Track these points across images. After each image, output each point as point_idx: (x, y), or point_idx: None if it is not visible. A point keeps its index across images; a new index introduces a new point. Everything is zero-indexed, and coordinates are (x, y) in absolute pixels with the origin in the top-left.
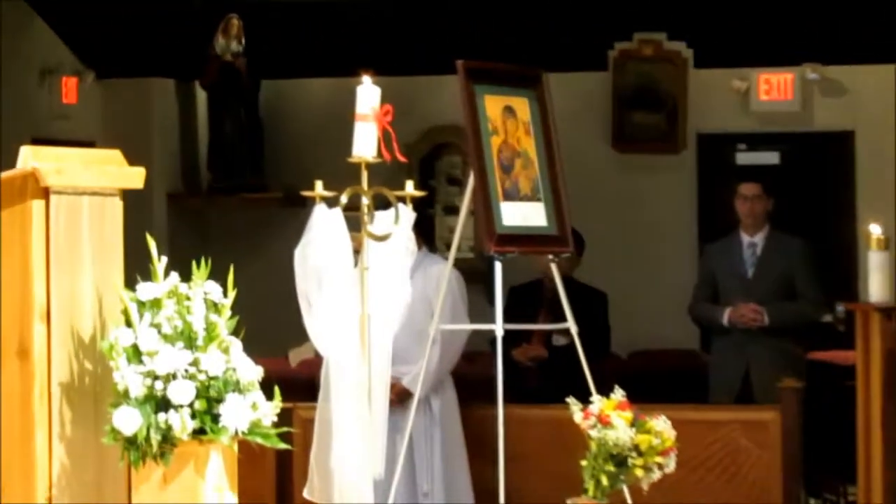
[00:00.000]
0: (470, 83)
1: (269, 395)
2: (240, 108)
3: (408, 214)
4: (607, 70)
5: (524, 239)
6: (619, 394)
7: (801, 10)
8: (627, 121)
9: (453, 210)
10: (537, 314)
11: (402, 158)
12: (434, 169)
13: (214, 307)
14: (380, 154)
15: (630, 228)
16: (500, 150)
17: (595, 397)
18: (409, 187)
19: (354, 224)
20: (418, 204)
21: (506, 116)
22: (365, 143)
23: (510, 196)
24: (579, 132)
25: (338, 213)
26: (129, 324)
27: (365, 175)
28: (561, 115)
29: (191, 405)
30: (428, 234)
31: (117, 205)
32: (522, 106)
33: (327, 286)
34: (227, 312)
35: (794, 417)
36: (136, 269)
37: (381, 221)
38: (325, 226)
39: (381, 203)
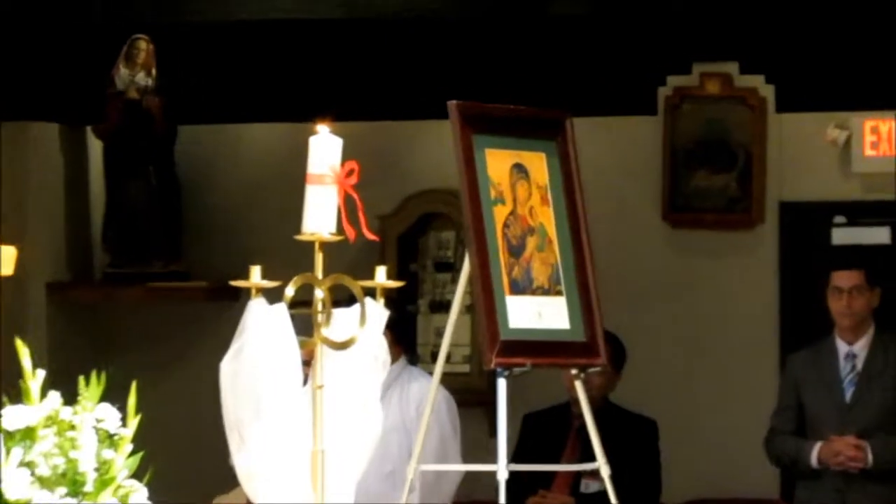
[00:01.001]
0: (467, 132)
1: None
2: (148, 163)
3: (379, 313)
4: (657, 114)
5: (539, 347)
6: None
7: None
8: (684, 184)
9: (442, 306)
10: (561, 450)
11: (371, 236)
12: (417, 250)
13: (110, 439)
14: (341, 230)
15: (687, 332)
16: (506, 224)
17: None
18: (382, 275)
19: (305, 326)
20: (394, 298)
21: (515, 178)
22: (320, 215)
23: (520, 288)
24: (618, 199)
25: (282, 310)
26: None
27: (320, 259)
28: (593, 176)
29: None
30: (407, 340)
31: None
32: (538, 164)
33: (266, 412)
34: (128, 447)
35: None
36: (3, 387)
37: (343, 322)
38: (263, 328)
39: (343, 297)
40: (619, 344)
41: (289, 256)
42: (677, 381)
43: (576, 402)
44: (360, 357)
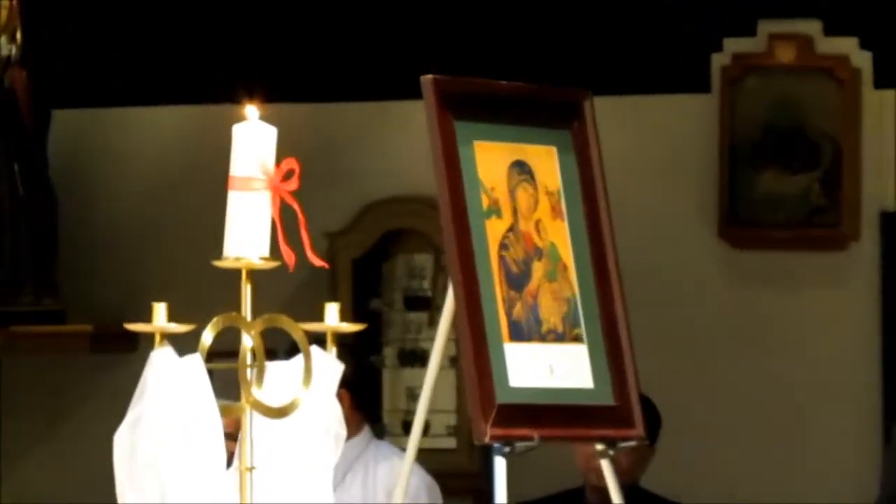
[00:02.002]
0: (447, 118)
1: None
2: (12, 162)
3: (330, 367)
4: (709, 92)
5: (551, 413)
6: None
7: None
8: (748, 188)
9: (416, 358)
10: None
11: (318, 262)
12: (380, 280)
13: None
14: (277, 254)
15: (750, 390)
16: (504, 244)
17: None
18: (333, 316)
19: (229, 386)
20: (351, 347)
21: (516, 181)
22: (248, 233)
23: (524, 333)
24: (657, 210)
25: (196, 364)
26: None
27: (248, 293)
28: (624, 177)
29: None
30: (370, 404)
31: None
32: (547, 161)
33: (175, 501)
34: None
35: None
36: None
37: (280, 380)
38: (171, 389)
39: (281, 346)
40: (653, 407)
41: (205, 290)
42: (735, 457)
43: (593, 488)
44: (304, 428)
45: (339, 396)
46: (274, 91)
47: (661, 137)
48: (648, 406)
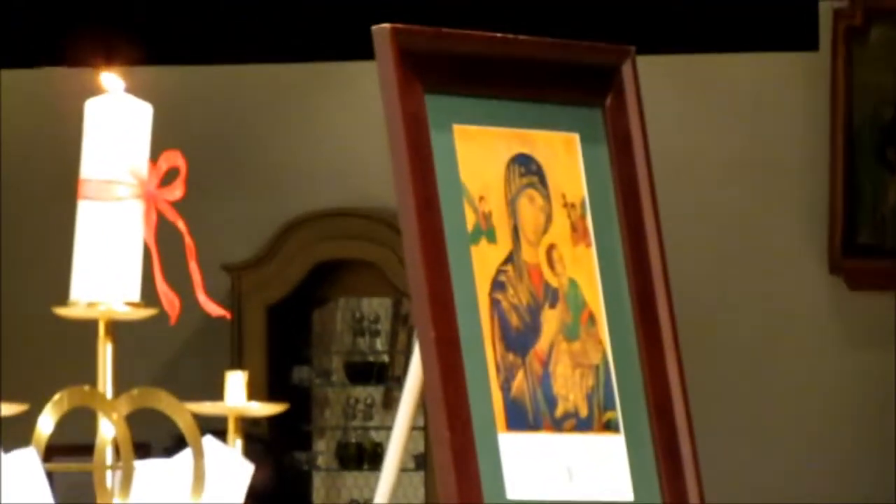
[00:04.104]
0: (413, 88)
1: None
2: None
3: (233, 469)
4: (817, 50)
5: None
6: None
7: None
8: (875, 194)
9: (363, 457)
10: None
11: (215, 310)
12: (309, 337)
13: None
14: (152, 298)
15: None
16: (499, 282)
17: None
18: (238, 391)
19: (82, 493)
20: (266, 442)
21: (518, 185)
22: (107, 266)
23: (527, 418)
24: (741, 228)
25: (30, 462)
26: None
27: (108, 355)
28: (687, 178)
29: None
30: None
31: None
32: (565, 155)
33: None
34: None
35: None
36: None
37: (158, 488)
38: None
39: (164, 438)
40: None
41: (45, 347)
42: None
43: None
44: None
45: None
46: (149, 49)
47: (742, 118)
48: None
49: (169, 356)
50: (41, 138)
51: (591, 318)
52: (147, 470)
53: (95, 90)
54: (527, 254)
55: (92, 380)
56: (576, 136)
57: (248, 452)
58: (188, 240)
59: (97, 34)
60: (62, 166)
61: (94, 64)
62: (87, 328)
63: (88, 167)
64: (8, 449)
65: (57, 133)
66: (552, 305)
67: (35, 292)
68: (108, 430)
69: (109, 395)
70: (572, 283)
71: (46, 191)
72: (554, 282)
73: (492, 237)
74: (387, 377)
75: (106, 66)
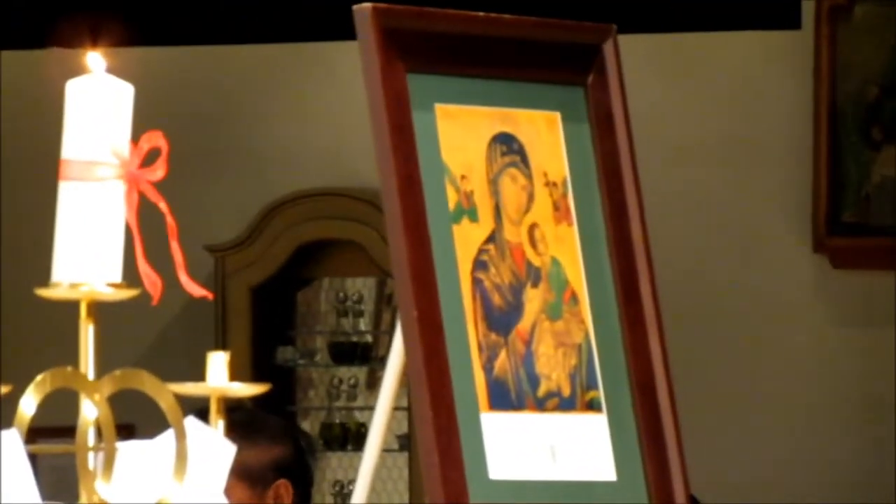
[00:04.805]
0: (395, 68)
1: None
2: None
3: (215, 450)
4: (799, 28)
5: None
6: None
7: None
8: (858, 173)
9: (348, 438)
10: None
11: (198, 291)
12: (293, 318)
13: None
14: (134, 278)
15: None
16: (480, 262)
17: None
18: (220, 372)
19: (66, 478)
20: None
21: (500, 164)
22: (89, 247)
23: (509, 398)
24: (723, 207)
25: (13, 445)
26: None
27: (89, 336)
28: (669, 157)
29: None
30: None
31: None
32: (547, 134)
33: None
34: None
35: None
36: None
37: (141, 470)
38: None
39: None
40: None
41: (26, 330)
42: None
43: None
44: None
45: (278, 491)
46: (133, 30)
47: (725, 97)
48: None
49: (153, 337)
50: (28, 120)
51: (574, 298)
52: (130, 451)
53: (80, 71)
54: (509, 233)
55: (76, 361)
56: (557, 115)
57: (230, 432)
58: (170, 220)
59: (83, 16)
60: (46, 148)
61: (79, 45)
62: (73, 310)
63: (70, 148)
64: None
65: (43, 115)
66: (534, 285)
67: (17, 275)
68: (90, 411)
69: (92, 376)
70: (555, 262)
71: (32, 174)
72: (536, 261)
73: (474, 216)
74: (371, 357)
75: (91, 47)
